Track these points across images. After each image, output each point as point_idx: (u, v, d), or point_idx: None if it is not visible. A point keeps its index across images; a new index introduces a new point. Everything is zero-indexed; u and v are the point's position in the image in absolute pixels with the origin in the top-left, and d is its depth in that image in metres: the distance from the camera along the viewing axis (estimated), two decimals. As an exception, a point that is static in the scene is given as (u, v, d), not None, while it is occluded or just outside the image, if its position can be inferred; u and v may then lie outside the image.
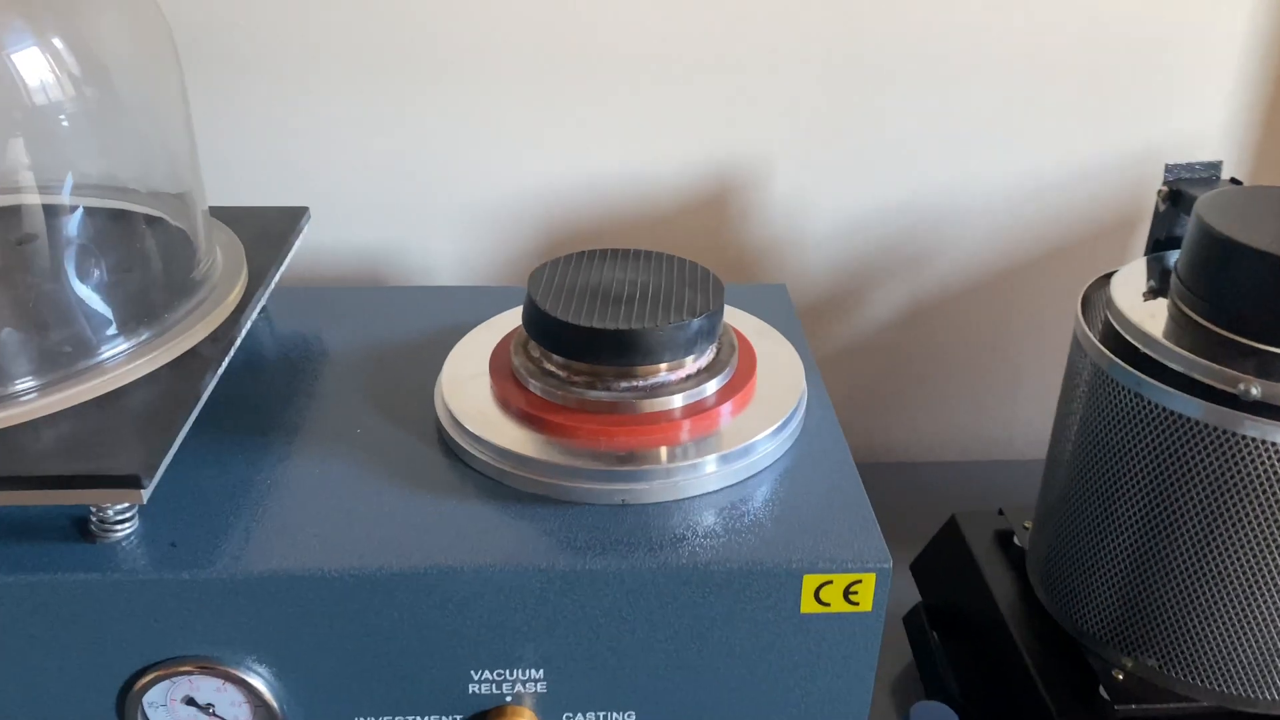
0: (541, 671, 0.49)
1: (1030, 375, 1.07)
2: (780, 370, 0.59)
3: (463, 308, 0.67)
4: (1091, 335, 0.65)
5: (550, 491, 0.51)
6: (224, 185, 0.89)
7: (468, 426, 0.53)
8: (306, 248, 0.96)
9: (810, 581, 0.47)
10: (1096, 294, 0.70)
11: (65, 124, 0.50)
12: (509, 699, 0.49)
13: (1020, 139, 0.96)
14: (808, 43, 0.91)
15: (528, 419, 0.53)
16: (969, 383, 1.08)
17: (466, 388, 0.56)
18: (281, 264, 0.63)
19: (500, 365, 0.57)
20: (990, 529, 0.81)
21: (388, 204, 0.96)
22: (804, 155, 0.96)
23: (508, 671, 0.49)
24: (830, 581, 0.47)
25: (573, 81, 0.91)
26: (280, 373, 0.62)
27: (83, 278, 0.53)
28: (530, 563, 0.47)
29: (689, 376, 0.55)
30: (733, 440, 0.53)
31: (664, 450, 0.52)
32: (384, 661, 0.49)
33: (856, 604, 0.48)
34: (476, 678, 0.49)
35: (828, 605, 0.48)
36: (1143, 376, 0.60)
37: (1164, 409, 0.59)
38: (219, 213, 0.67)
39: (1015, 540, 0.79)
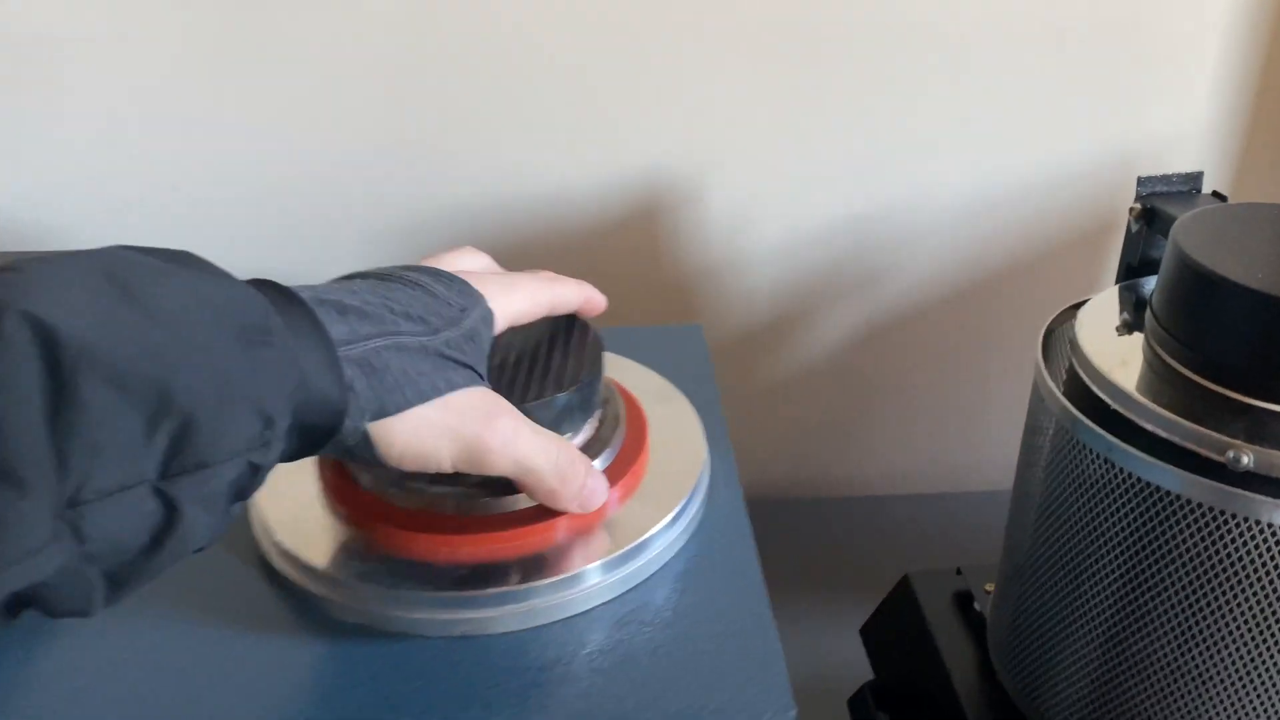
0: None
1: (999, 397, 0.98)
2: (679, 443, 0.49)
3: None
4: (1053, 385, 0.55)
5: (373, 621, 0.41)
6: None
7: (275, 534, 0.43)
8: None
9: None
10: (1061, 330, 0.60)
11: None
12: None
13: (982, 145, 0.86)
14: (743, 37, 0.81)
15: (353, 523, 0.43)
16: (932, 408, 0.98)
17: (287, 479, 0.46)
18: None
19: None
20: (948, 591, 0.72)
21: (269, 224, 0.86)
22: (743, 166, 0.86)
23: None
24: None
25: (468, 78, 0.81)
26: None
27: None
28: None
29: None
30: (607, 544, 0.43)
31: (515, 564, 0.42)
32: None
33: (753, 761, 0.38)
34: None
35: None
36: (1112, 440, 0.50)
37: (1138, 479, 0.50)
38: None
39: (975, 605, 0.69)
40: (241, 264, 0.89)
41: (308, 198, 0.84)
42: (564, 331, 0.47)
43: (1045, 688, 0.59)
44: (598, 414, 0.48)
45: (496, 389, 0.43)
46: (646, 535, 0.44)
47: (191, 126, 0.81)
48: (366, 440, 0.37)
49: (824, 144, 0.85)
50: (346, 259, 0.86)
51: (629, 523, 0.44)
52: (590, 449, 0.46)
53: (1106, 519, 0.52)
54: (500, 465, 0.40)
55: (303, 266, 0.87)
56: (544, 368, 0.44)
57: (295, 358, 0.34)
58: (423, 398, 0.38)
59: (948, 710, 0.65)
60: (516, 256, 0.89)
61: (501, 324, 0.44)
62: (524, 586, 0.41)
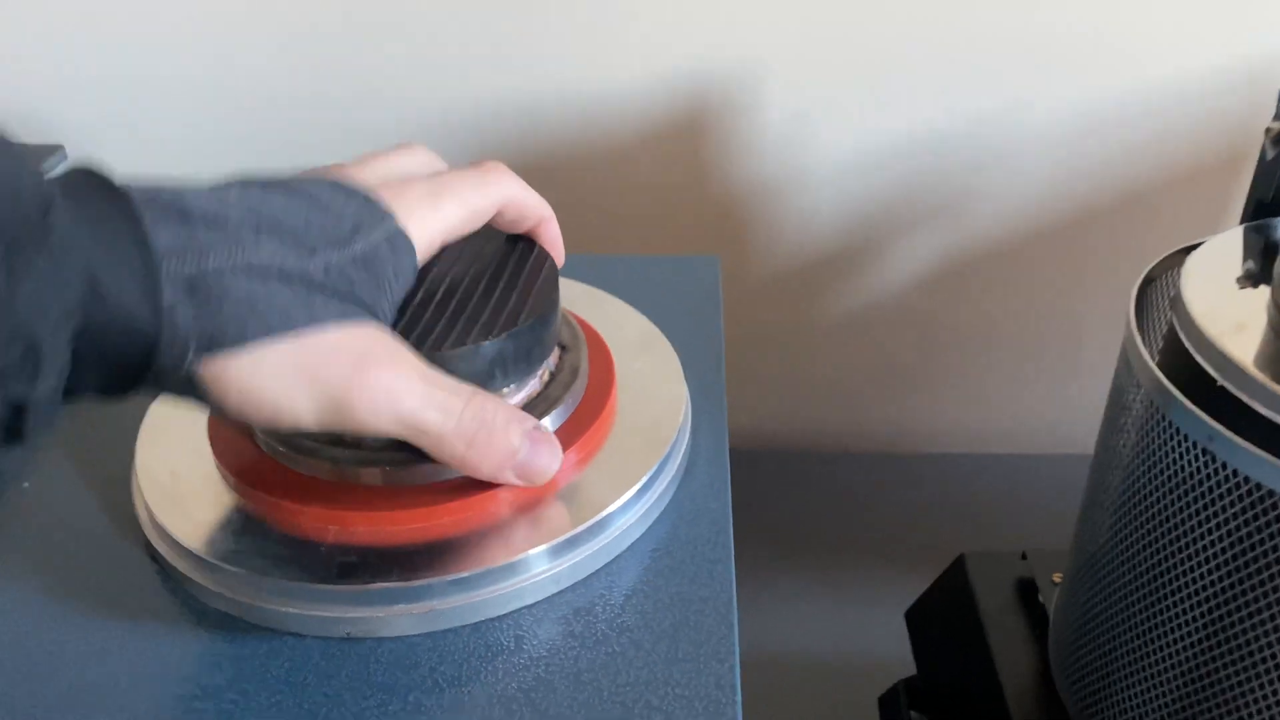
0: None
1: (1092, 351, 0.85)
2: (656, 401, 0.40)
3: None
4: (1144, 350, 0.43)
5: (243, 613, 0.34)
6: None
7: (151, 504, 0.36)
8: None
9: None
10: (1164, 279, 0.49)
11: None
12: None
13: (1093, 54, 0.73)
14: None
15: (237, 490, 0.35)
16: (1012, 360, 0.86)
17: (174, 437, 0.38)
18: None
19: None
20: (1009, 577, 0.62)
21: (310, 126, 0.78)
22: (805, 73, 0.74)
23: None
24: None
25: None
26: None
27: None
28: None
29: None
30: (537, 532, 0.34)
31: (418, 552, 0.33)
32: None
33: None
34: None
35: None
36: (1215, 426, 0.39)
37: (1245, 478, 0.39)
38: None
39: (1039, 597, 0.59)
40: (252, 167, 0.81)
41: (324, 109, 0.76)
42: (515, 261, 0.38)
43: (1110, 706, 0.49)
44: (548, 365, 0.38)
45: (411, 331, 0.34)
46: (591, 520, 0.35)
47: (216, 40, 0.73)
48: (193, 382, 0.29)
49: (902, 46, 0.73)
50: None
51: (562, 509, 0.35)
52: (535, 407, 0.37)
53: (1202, 522, 0.41)
54: (379, 424, 0.31)
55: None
56: (478, 306, 0.35)
57: (83, 268, 0.26)
58: (269, 331, 0.29)
59: (994, 719, 0.55)
60: (543, 170, 0.80)
61: (426, 246, 0.35)
62: (418, 583, 0.32)
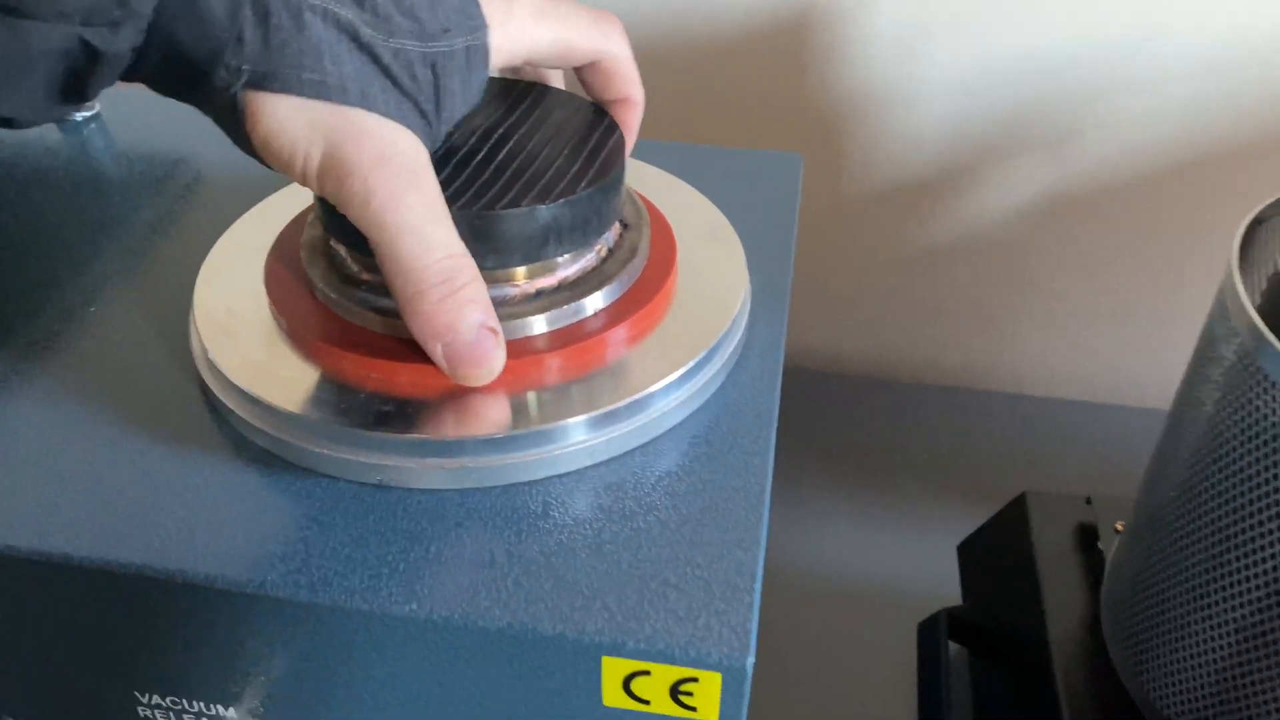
0: (231, 710, 0.33)
1: (1195, 302, 0.80)
2: (716, 292, 0.39)
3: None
4: (1243, 292, 0.41)
5: (278, 449, 0.34)
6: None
7: (205, 338, 0.36)
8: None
9: (614, 667, 0.29)
10: (1272, 223, 0.45)
11: None
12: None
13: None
14: None
15: (291, 333, 0.36)
16: (1110, 304, 0.83)
17: (234, 278, 0.39)
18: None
19: (288, 250, 0.39)
20: (1070, 521, 0.60)
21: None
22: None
23: (185, 702, 0.34)
24: (646, 672, 0.29)
25: None
26: (58, 208, 0.46)
27: None
28: (192, 565, 0.31)
29: (538, 294, 0.36)
30: (577, 403, 0.34)
31: (454, 407, 0.33)
32: (42, 661, 0.34)
33: (693, 710, 0.29)
34: (145, 701, 0.34)
35: (647, 704, 0.30)
36: (1310, 376, 0.37)
37: (1335, 434, 0.36)
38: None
39: (1099, 545, 0.57)
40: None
41: None
42: (584, 129, 0.37)
43: (1160, 667, 0.47)
44: (606, 240, 0.37)
45: (468, 188, 0.33)
46: (632, 396, 0.34)
47: None
48: (234, 108, 0.29)
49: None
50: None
51: (609, 376, 0.35)
52: (587, 282, 0.36)
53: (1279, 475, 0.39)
54: (361, 216, 0.30)
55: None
56: (539, 170, 0.34)
57: None
58: (319, 93, 0.29)
59: (1035, 664, 0.54)
60: (643, 57, 0.77)
61: (508, 55, 0.33)
62: (452, 438, 0.32)
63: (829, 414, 0.82)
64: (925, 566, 0.68)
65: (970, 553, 0.64)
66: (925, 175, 0.79)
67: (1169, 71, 0.71)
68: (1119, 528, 0.57)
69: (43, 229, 0.45)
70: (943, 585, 0.64)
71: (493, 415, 0.33)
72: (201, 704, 0.34)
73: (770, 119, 0.78)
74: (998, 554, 0.62)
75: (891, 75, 0.75)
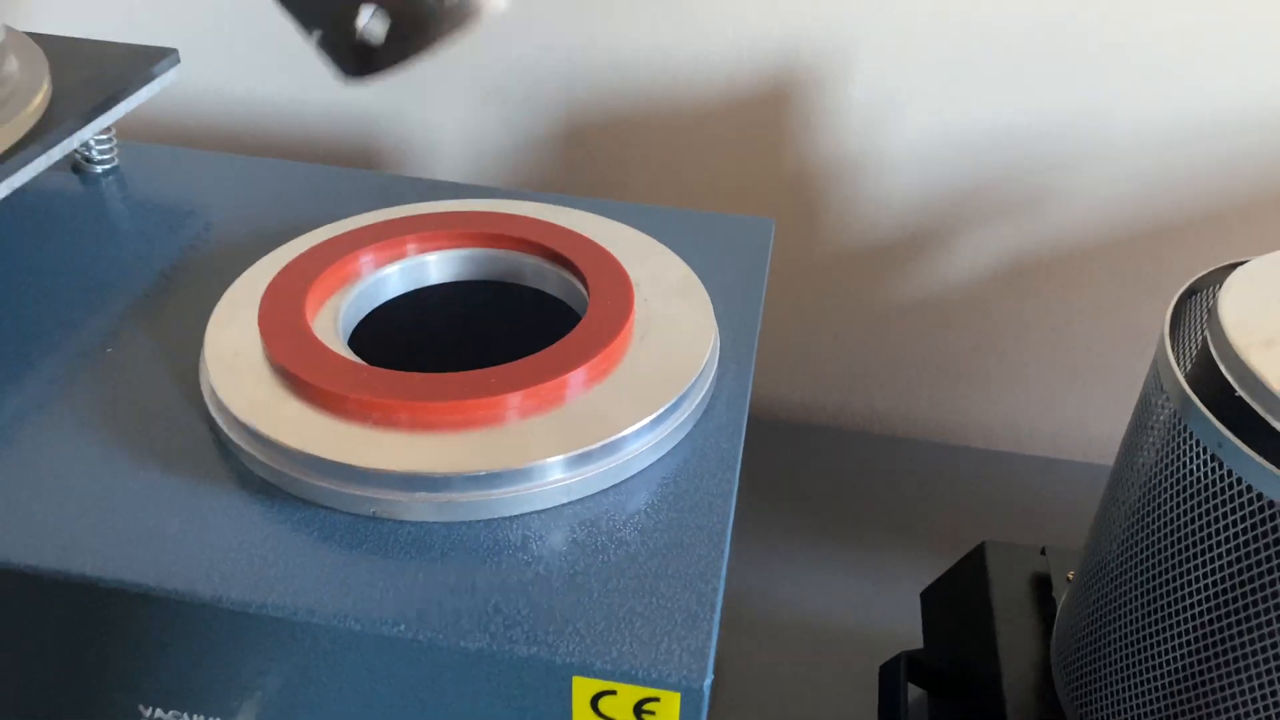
0: (227, 722, 0.36)
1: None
2: (684, 342, 0.42)
3: (371, 200, 0.52)
4: (1173, 357, 0.44)
5: (281, 481, 0.37)
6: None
7: (211, 374, 0.39)
8: (273, 105, 0.83)
9: (583, 686, 0.32)
10: (1205, 294, 0.49)
11: None
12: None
13: (1195, 60, 0.72)
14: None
15: (287, 374, 0.39)
16: (1073, 363, 0.86)
17: (241, 324, 0.42)
18: (98, 116, 0.49)
19: (285, 295, 0.42)
20: (1026, 570, 0.63)
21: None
22: (894, 55, 0.75)
23: (186, 715, 0.36)
24: (613, 692, 0.32)
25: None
26: (74, 254, 0.50)
27: None
28: (197, 587, 0.33)
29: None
30: (555, 443, 0.37)
31: (442, 444, 0.36)
32: (53, 671, 0.37)
33: (653, 727, 0.32)
34: (148, 715, 0.37)
35: (611, 720, 0.32)
36: (1225, 434, 0.40)
37: (1248, 487, 0.40)
38: (55, 44, 0.53)
39: (1053, 593, 0.60)
40: (342, 100, 0.84)
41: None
42: None
43: (1103, 707, 0.50)
44: None
45: None
46: (606, 439, 0.37)
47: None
48: None
49: (992, 31, 0.73)
50: (439, 103, 0.81)
51: (585, 421, 0.38)
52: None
53: (1209, 530, 0.42)
54: None
55: (390, 108, 0.83)
56: None
57: None
58: None
59: (989, 704, 0.57)
60: (628, 122, 0.82)
61: None
62: (439, 474, 0.35)
63: (800, 463, 0.85)
64: (889, 611, 0.71)
65: (931, 599, 0.67)
66: (895, 237, 0.83)
67: (1121, 147, 0.76)
68: (1070, 577, 0.60)
69: (64, 273, 0.48)
70: (904, 629, 0.67)
71: (478, 453, 0.36)
72: (201, 717, 0.36)
73: (746, 184, 0.82)
74: (957, 600, 0.65)
75: (863, 144, 0.79)
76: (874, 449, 0.88)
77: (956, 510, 0.81)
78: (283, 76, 0.83)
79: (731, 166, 0.82)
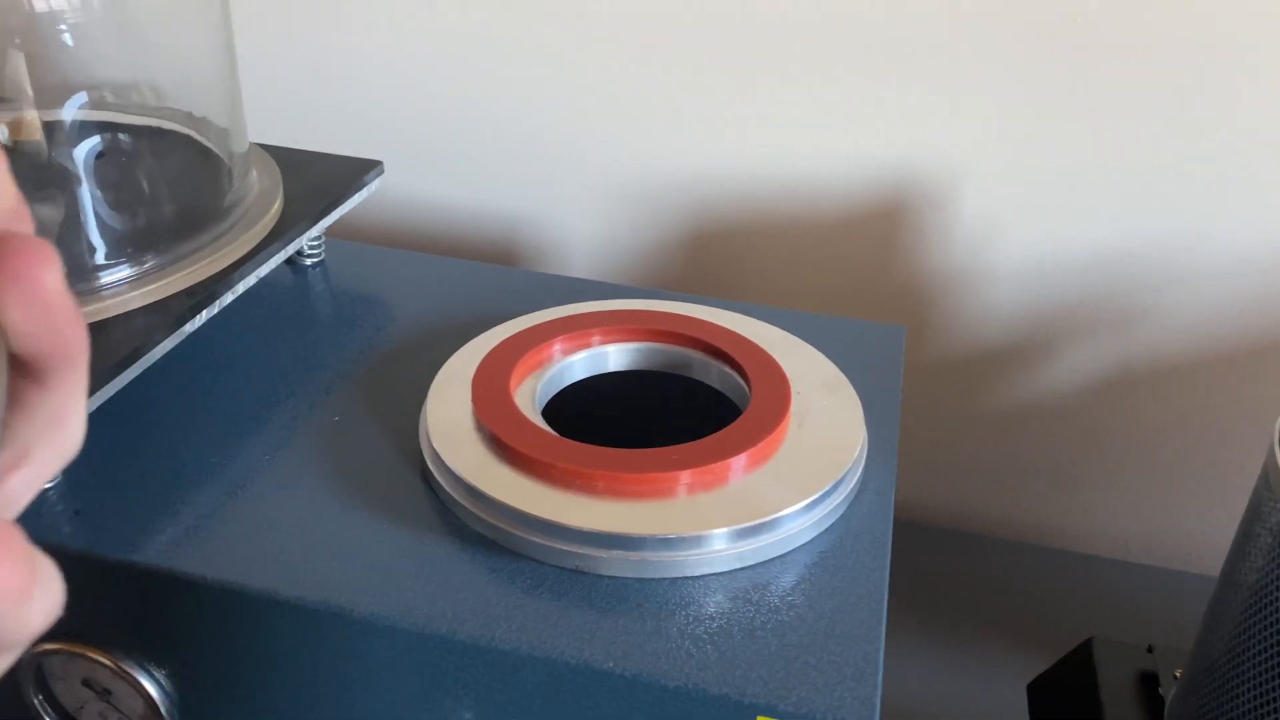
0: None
1: (1250, 478, 0.87)
2: (836, 433, 0.48)
3: (540, 295, 0.59)
4: (1285, 466, 0.48)
5: (497, 536, 0.43)
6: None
7: (433, 440, 0.46)
8: (428, 206, 0.92)
9: (766, 726, 0.37)
10: (1312, 409, 0.53)
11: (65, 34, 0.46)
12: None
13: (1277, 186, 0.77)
14: (1018, 35, 0.76)
15: (499, 443, 0.45)
16: (1169, 474, 0.89)
17: (455, 400, 0.48)
18: (322, 219, 0.57)
19: (494, 375, 0.49)
20: (1132, 668, 0.66)
21: (520, 172, 0.90)
22: (1000, 174, 0.81)
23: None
24: (792, 730, 0.36)
25: (740, 56, 0.81)
26: (292, 336, 0.57)
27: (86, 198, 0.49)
28: (426, 623, 0.39)
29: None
30: (730, 515, 0.42)
31: (641, 510, 0.42)
32: (284, 698, 0.43)
33: (826, 765, 0.37)
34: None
35: (789, 757, 0.37)
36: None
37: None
38: (283, 155, 0.62)
39: (1159, 690, 0.63)
40: (480, 204, 0.93)
41: (538, 143, 0.87)
42: None
43: (1212, 798, 0.53)
44: None
45: None
46: (774, 515, 0.43)
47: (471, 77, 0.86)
48: None
49: (1095, 160, 0.79)
50: (572, 210, 0.89)
51: (757, 497, 0.43)
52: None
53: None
54: None
55: (528, 213, 0.91)
56: None
57: None
58: None
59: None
60: (751, 230, 0.90)
61: None
62: (636, 535, 0.41)
63: (908, 560, 0.88)
64: (994, 705, 0.73)
65: (1039, 691, 0.70)
66: (1000, 347, 0.88)
67: (1218, 270, 0.80)
68: (1177, 675, 0.63)
69: (287, 352, 0.56)
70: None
71: (670, 519, 0.42)
72: (419, 741, 0.42)
73: (863, 292, 0.88)
74: (1064, 694, 0.67)
75: (970, 259, 0.85)
76: (976, 547, 0.92)
77: (1059, 609, 0.84)
78: (431, 176, 0.92)
79: (843, 275, 0.88)
